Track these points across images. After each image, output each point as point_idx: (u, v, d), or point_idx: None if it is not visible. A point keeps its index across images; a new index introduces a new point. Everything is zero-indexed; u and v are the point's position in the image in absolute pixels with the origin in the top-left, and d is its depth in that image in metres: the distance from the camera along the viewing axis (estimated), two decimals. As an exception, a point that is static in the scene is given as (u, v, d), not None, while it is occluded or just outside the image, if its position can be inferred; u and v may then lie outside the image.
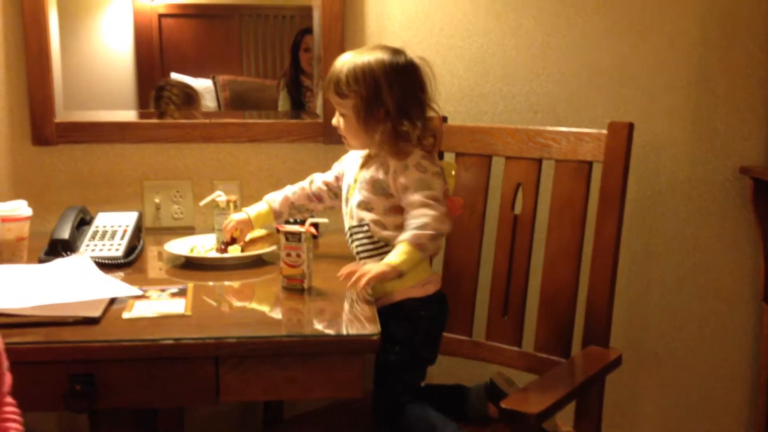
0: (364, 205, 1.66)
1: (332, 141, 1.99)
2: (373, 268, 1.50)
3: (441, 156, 1.96)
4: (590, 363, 1.65)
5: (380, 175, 1.64)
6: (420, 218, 1.57)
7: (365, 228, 1.65)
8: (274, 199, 1.82)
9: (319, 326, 1.41)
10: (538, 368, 1.77)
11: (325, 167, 1.93)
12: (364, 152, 1.71)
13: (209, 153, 2.10)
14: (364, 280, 1.47)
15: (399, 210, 1.63)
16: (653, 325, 2.25)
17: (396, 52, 1.64)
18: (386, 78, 1.59)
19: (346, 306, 1.48)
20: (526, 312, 1.85)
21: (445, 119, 1.98)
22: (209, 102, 2.30)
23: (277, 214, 1.81)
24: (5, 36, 1.98)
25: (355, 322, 1.40)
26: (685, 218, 2.20)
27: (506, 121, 2.11)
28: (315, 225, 1.60)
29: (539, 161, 1.83)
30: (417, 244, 1.54)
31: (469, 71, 2.11)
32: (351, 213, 1.69)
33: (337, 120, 1.68)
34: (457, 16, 2.09)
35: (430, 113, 1.67)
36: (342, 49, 2.02)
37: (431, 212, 1.57)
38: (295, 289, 1.53)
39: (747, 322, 2.25)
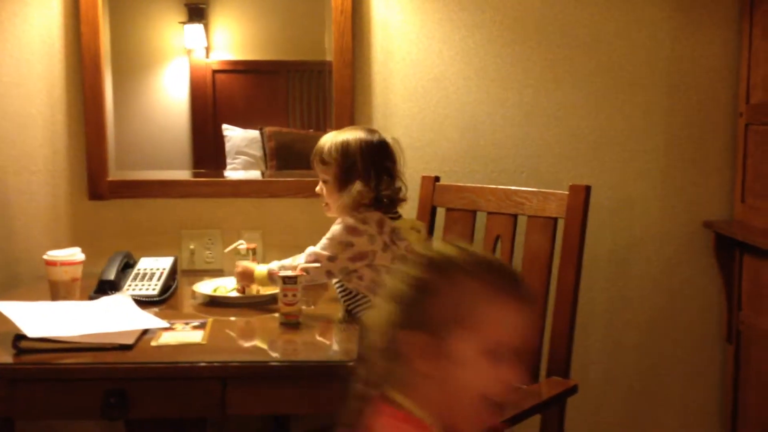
0: None
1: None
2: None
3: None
4: (547, 390, 1.92)
5: None
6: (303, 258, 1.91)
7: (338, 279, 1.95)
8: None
9: (306, 354, 1.72)
10: (510, 397, 2.04)
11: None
12: None
13: (237, 206, 2.44)
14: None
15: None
16: (629, 362, 2.49)
17: (371, 131, 1.95)
18: (361, 152, 1.90)
19: (333, 338, 1.79)
20: (503, 348, 2.12)
21: (437, 179, 2.29)
22: (256, 152, 2.59)
23: None
24: (69, 110, 2.37)
25: (337, 351, 1.70)
26: (656, 266, 2.45)
27: (495, 181, 2.38)
28: (306, 270, 1.91)
29: (515, 216, 2.12)
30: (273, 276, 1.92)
31: (462, 137, 2.42)
32: None
33: (320, 188, 1.98)
34: (451, 89, 2.40)
35: (399, 184, 1.95)
36: (352, 119, 2.35)
37: (315, 264, 1.89)
38: (291, 323, 1.83)
39: (713, 360, 2.48)
